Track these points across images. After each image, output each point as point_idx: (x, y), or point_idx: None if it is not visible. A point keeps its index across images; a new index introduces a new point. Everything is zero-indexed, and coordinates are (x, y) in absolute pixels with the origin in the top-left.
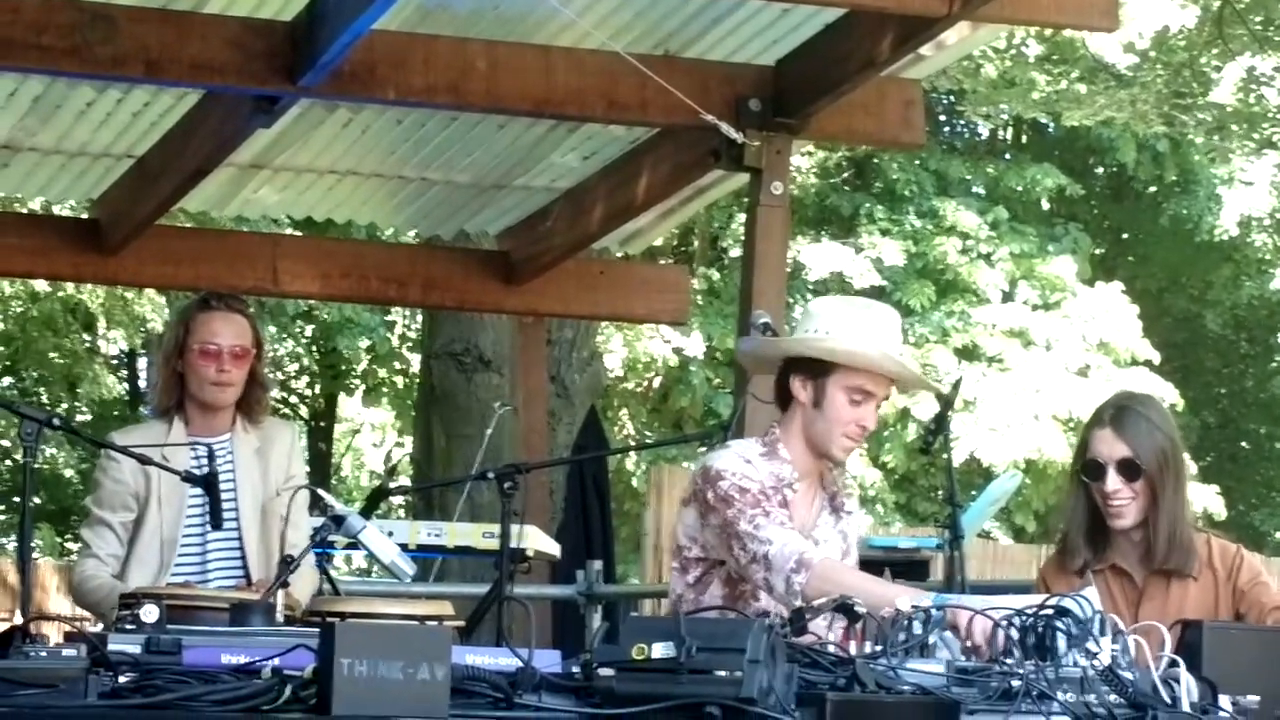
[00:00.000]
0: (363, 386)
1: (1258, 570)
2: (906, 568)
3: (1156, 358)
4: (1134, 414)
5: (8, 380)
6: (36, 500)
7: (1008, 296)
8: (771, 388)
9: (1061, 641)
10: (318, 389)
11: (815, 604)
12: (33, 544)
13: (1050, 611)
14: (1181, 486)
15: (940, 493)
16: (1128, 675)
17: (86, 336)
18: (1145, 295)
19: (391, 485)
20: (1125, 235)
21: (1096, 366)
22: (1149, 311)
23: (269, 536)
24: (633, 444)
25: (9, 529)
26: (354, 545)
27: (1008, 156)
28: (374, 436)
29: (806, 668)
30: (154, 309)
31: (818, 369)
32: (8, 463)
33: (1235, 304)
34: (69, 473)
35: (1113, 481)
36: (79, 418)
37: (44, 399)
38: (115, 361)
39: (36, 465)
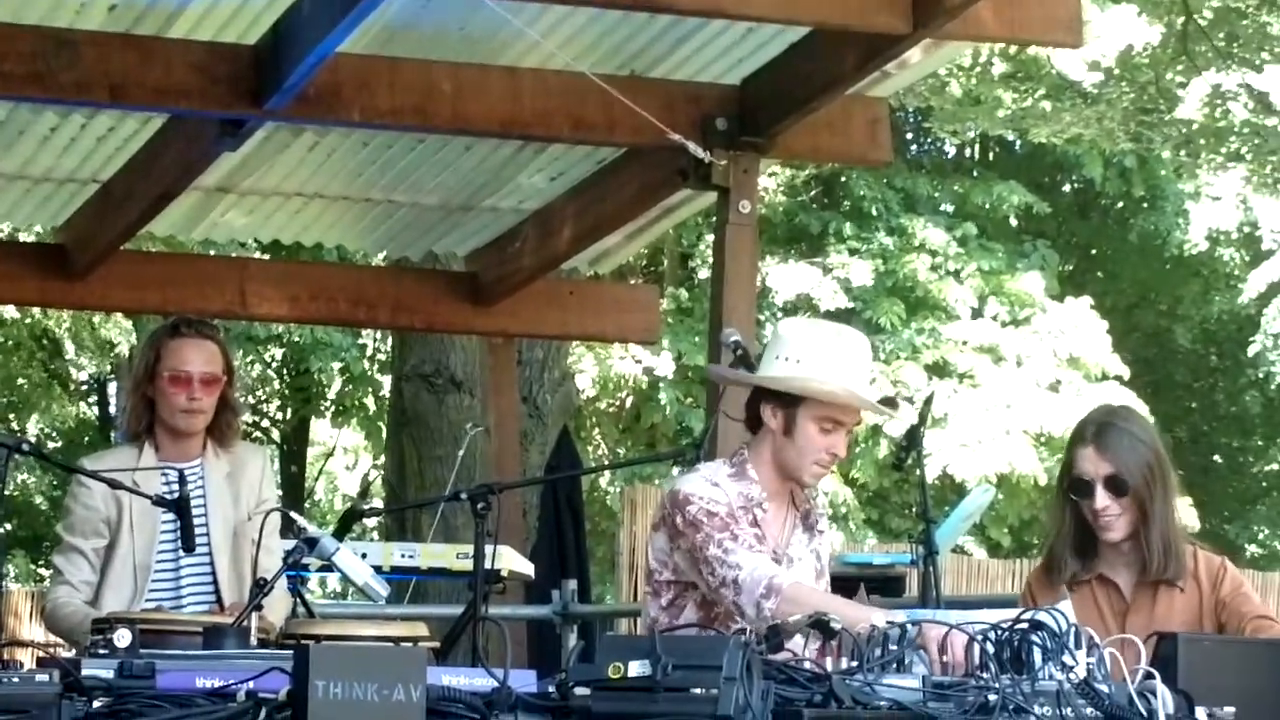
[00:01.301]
0: (333, 409)
1: (1240, 582)
2: (881, 584)
3: (1127, 373)
4: (1116, 430)
5: None
6: (8, 527)
7: (977, 313)
8: (743, 406)
9: (1037, 655)
10: (289, 413)
11: (791, 620)
12: (5, 571)
13: (1025, 625)
14: (1170, 497)
15: (913, 508)
16: (1104, 688)
17: (50, 363)
18: (1114, 311)
19: (364, 507)
20: (1094, 251)
21: (1067, 382)
22: (1118, 327)
23: (241, 560)
24: (606, 463)
25: None
26: (328, 568)
27: (975, 174)
28: (346, 459)
29: (783, 684)
30: (121, 333)
31: (789, 398)
32: None
33: (1205, 318)
34: (40, 499)
35: (1101, 499)
36: (49, 444)
37: (14, 425)
38: (85, 387)
39: (7, 492)
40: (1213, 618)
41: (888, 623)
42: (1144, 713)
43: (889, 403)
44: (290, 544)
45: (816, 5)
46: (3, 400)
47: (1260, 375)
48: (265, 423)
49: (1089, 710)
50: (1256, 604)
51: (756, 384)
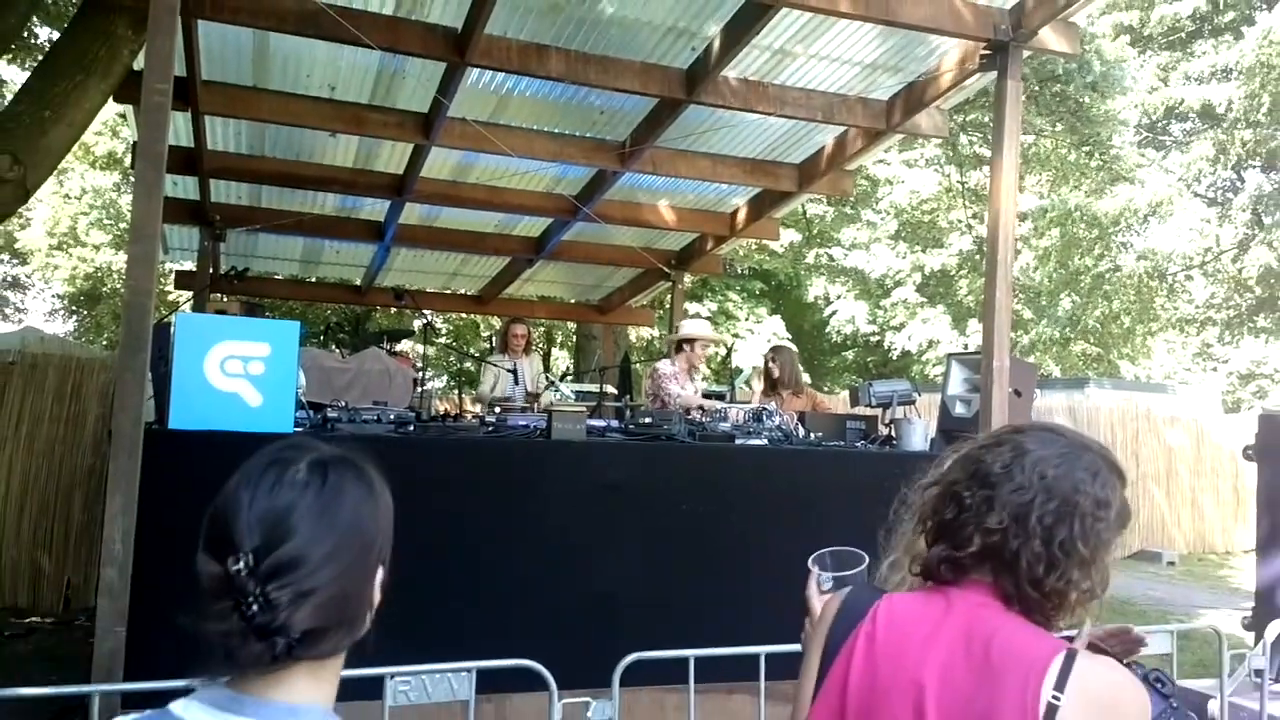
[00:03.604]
0: (559, 343)
1: (814, 393)
2: (720, 397)
3: (790, 338)
4: (782, 351)
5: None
6: (464, 378)
7: (745, 320)
8: (674, 345)
9: (764, 417)
10: (545, 343)
11: (691, 405)
12: (463, 389)
13: (761, 408)
14: (797, 368)
15: (729, 375)
16: (788, 428)
17: (487, 330)
18: (787, 319)
19: (569, 373)
20: (781, 303)
21: (773, 339)
22: (788, 322)
23: (535, 385)
24: (637, 362)
25: (456, 387)
26: (557, 389)
27: (745, 278)
28: (557, 360)
29: (690, 424)
30: (498, 322)
31: (692, 340)
32: (453, 367)
33: (814, 323)
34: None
35: (772, 366)
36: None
37: (465, 348)
38: (487, 339)
39: (462, 367)
40: (812, 405)
41: (720, 407)
42: (801, 436)
43: (720, 342)
44: (545, 382)
45: (702, 226)
46: (461, 342)
47: (827, 342)
48: (536, 346)
49: (779, 433)
50: (823, 400)
51: (681, 336)
